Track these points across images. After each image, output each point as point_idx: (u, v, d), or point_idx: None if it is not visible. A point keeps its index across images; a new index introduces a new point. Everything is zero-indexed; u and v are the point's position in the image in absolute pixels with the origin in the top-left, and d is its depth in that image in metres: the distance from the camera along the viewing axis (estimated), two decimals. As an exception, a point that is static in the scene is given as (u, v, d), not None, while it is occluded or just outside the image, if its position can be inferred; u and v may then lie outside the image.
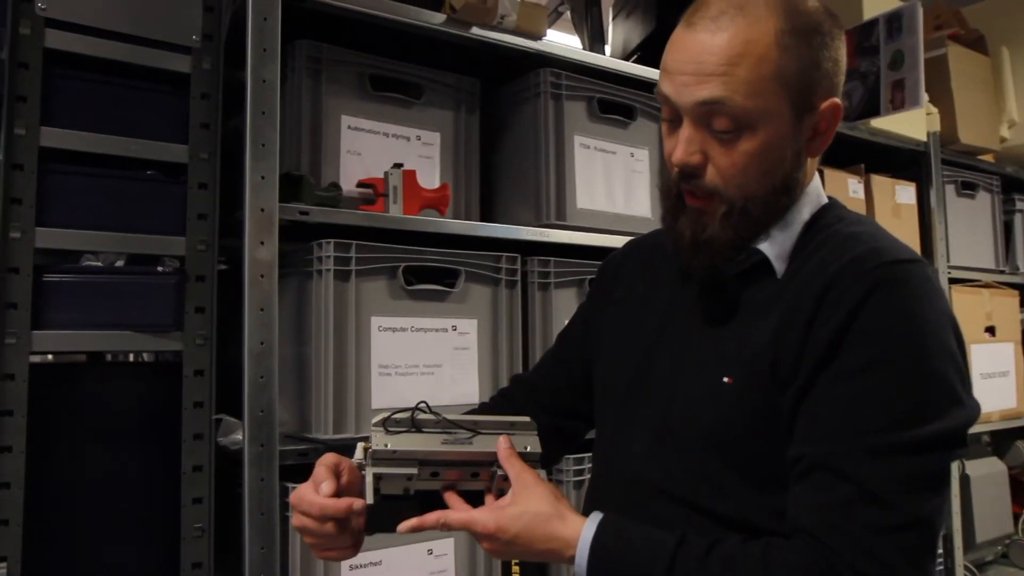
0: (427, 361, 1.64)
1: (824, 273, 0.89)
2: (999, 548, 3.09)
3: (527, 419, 0.91)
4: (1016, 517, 3.06)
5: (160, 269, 1.52)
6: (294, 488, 1.49)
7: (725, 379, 0.88)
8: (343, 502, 0.87)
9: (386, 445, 0.84)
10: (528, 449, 0.89)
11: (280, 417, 1.48)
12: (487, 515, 0.85)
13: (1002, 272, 3.11)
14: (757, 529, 0.86)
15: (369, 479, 0.84)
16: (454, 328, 1.68)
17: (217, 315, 1.59)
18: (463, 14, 1.77)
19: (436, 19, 1.78)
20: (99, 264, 1.52)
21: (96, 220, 1.48)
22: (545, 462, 0.97)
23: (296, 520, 0.91)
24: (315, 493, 0.89)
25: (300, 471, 1.51)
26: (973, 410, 0.85)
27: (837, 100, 0.95)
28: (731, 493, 0.88)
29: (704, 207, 0.93)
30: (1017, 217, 3.18)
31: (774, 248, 0.94)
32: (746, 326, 0.91)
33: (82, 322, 1.46)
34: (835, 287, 0.87)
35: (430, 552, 1.59)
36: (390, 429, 0.85)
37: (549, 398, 1.17)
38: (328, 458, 0.95)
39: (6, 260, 1.44)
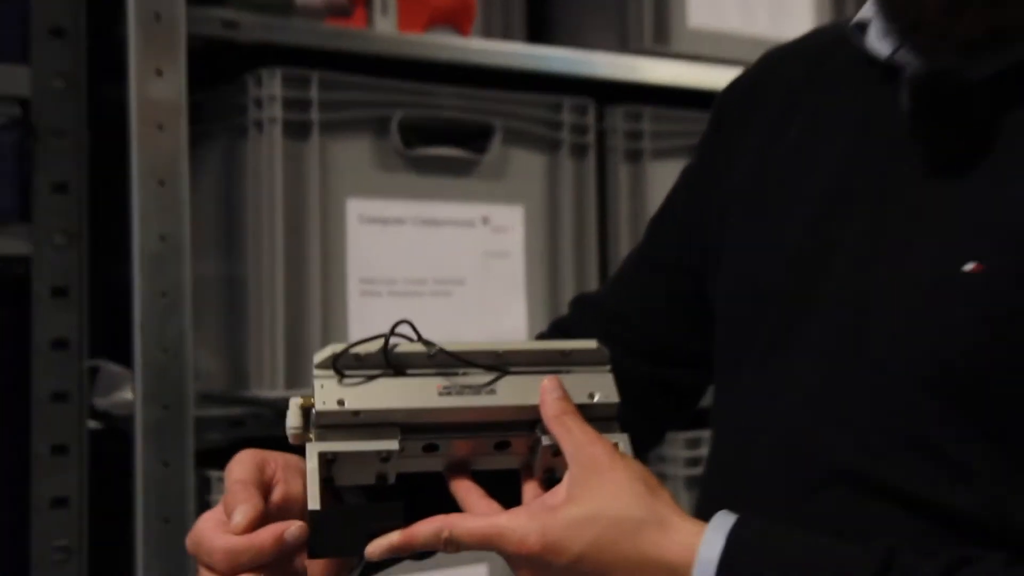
0: (440, 274, 1.39)
1: None
2: None
3: (592, 343, 0.71)
4: None
5: (-13, 119, 1.26)
6: (221, 480, 1.26)
7: (968, 266, 0.69)
8: (267, 535, 0.62)
9: (341, 402, 0.64)
10: (596, 399, 0.69)
11: (201, 367, 1.25)
12: (526, 522, 0.63)
13: None
14: (1012, 532, 0.67)
15: (312, 464, 0.63)
16: (485, 221, 1.42)
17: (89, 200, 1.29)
18: None
19: None
20: None
21: None
22: (640, 443, 0.73)
23: None
24: (219, 530, 0.65)
25: (230, 453, 1.10)
26: None
27: None
28: (970, 469, 0.67)
29: None
30: None
31: None
32: (1006, 174, 0.71)
33: None
34: None
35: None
36: (347, 373, 0.65)
37: (638, 331, 0.95)
38: (245, 463, 0.69)
39: None
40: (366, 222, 1.34)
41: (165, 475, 1.14)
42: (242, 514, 0.63)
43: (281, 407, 1.19)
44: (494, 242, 1.43)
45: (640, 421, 0.79)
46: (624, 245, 1.54)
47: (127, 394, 1.19)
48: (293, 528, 0.62)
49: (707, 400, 0.96)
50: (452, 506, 0.68)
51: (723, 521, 0.64)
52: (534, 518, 0.64)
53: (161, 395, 1.15)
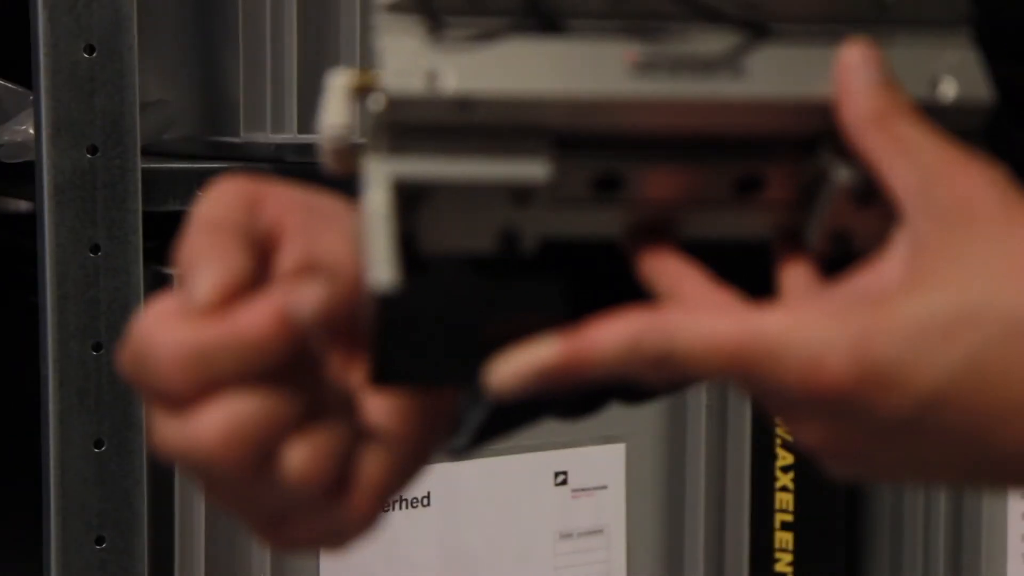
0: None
1: None
2: None
3: None
4: None
5: None
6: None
7: None
8: (257, 315, 0.33)
9: (434, 75, 0.35)
10: (954, 92, 0.37)
11: (152, 90, 0.91)
12: (825, 324, 0.34)
13: None
14: None
15: (379, 199, 0.34)
16: None
17: None
18: None
19: None
20: None
21: None
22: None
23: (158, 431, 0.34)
24: (172, 322, 0.34)
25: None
26: None
27: None
28: None
29: None
30: None
31: None
32: None
33: None
34: None
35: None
36: (448, 20, 0.35)
37: None
38: (223, 198, 0.36)
39: None
40: None
41: (90, 267, 0.77)
42: (209, 279, 0.37)
43: (291, 161, 0.90)
44: None
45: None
46: None
47: (25, 126, 0.80)
48: (307, 294, 0.37)
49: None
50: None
51: None
52: (841, 318, 0.40)
53: (82, 130, 0.76)
